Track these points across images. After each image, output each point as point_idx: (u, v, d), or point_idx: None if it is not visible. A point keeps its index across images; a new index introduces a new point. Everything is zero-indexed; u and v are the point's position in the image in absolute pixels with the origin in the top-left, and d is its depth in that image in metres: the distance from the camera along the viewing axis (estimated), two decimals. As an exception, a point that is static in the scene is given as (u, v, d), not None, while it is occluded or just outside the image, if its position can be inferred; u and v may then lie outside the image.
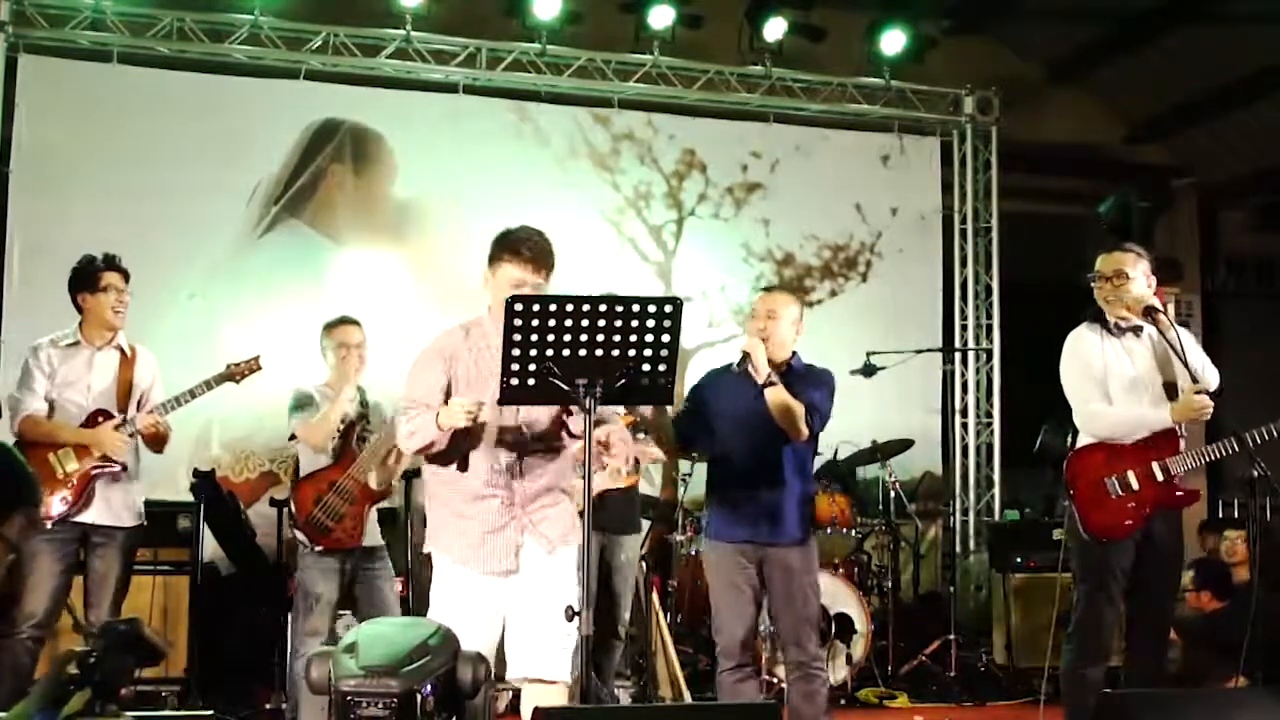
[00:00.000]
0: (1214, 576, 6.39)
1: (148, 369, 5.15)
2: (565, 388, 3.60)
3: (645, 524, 7.24)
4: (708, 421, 4.87)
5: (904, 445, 7.51)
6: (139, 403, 5.07)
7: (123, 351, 5.10)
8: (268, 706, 6.01)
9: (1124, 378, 4.72)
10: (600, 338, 3.60)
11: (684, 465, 7.27)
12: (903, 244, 9.14)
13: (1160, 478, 4.61)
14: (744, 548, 4.73)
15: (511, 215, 8.28)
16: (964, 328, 9.20)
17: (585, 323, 3.58)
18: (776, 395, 4.63)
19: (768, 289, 5.12)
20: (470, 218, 8.21)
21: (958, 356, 9.12)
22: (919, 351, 8.32)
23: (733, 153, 8.87)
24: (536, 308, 3.59)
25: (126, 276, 5.06)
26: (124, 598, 5.06)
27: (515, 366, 3.63)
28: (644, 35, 8.42)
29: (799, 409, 4.65)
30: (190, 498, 6.41)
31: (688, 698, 6.03)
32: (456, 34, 8.16)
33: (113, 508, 4.97)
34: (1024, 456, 8.80)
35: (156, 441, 5.06)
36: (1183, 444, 4.68)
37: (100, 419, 4.96)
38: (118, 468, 4.95)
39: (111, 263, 5.04)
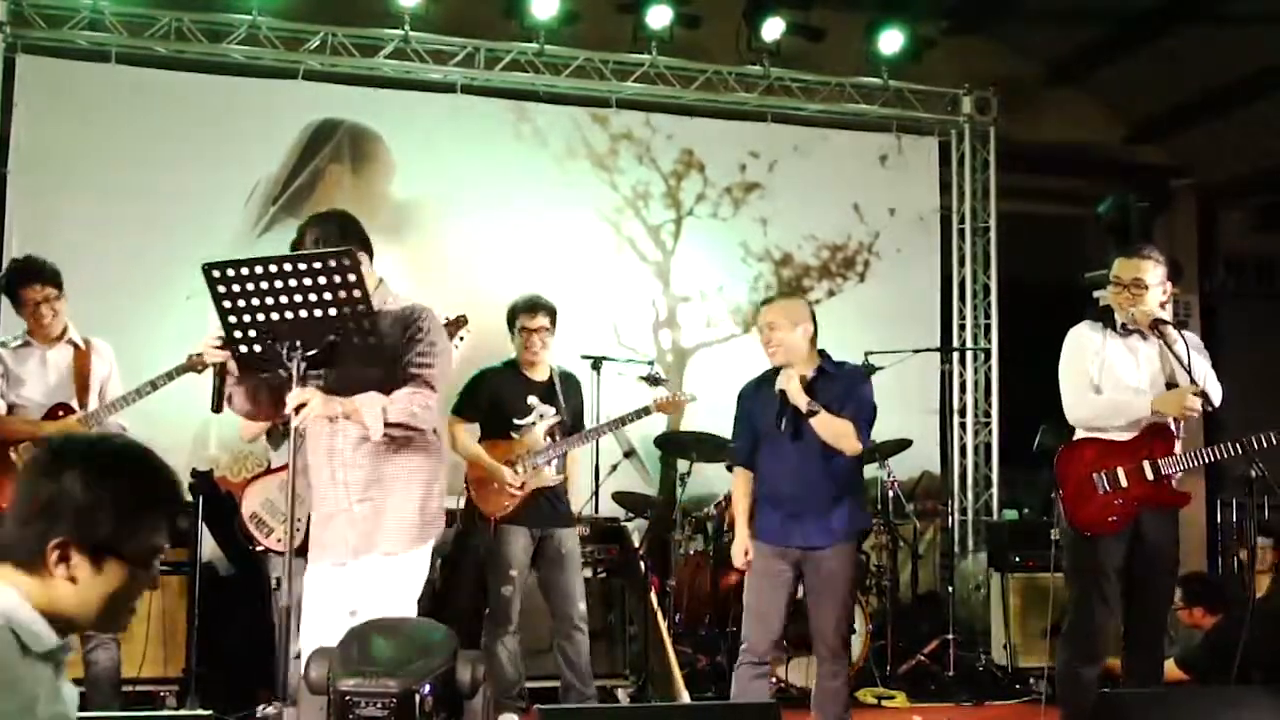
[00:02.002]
0: (1203, 591, 6.33)
1: (105, 361, 5.16)
2: (280, 352, 3.54)
3: (644, 524, 7.29)
4: (759, 439, 4.94)
5: (902, 445, 7.51)
6: (99, 395, 5.08)
7: (76, 346, 5.10)
8: (265, 707, 6.00)
9: (1123, 378, 4.72)
10: (298, 299, 3.52)
11: (681, 465, 7.27)
12: (901, 244, 9.14)
13: (1150, 476, 4.61)
14: (783, 550, 4.80)
15: (510, 215, 8.41)
16: (962, 327, 9.20)
17: (278, 284, 3.51)
18: (823, 423, 4.68)
19: (765, 301, 5.12)
20: (468, 217, 8.23)
21: (956, 356, 9.11)
22: (917, 351, 8.31)
23: (731, 153, 8.87)
24: (231, 272, 3.52)
25: (53, 278, 5.02)
26: None
27: (237, 334, 3.59)
28: (642, 35, 8.42)
29: (846, 428, 4.70)
30: (189, 498, 6.40)
31: (686, 698, 6.03)
32: (454, 34, 8.16)
33: None
34: (1022, 456, 8.79)
35: None
36: (1178, 445, 4.68)
37: (61, 413, 4.96)
38: None
39: (28, 275, 5.00)
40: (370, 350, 3.65)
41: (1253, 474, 4.45)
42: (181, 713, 5.85)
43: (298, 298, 3.52)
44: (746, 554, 4.92)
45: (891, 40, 8.75)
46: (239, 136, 7.86)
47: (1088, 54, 9.65)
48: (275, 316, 3.54)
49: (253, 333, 3.58)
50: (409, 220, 8.20)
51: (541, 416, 5.73)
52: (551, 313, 5.77)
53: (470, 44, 8.17)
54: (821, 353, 4.91)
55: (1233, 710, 3.80)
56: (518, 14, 8.12)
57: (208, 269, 3.53)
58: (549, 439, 5.71)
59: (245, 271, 3.51)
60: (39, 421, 4.95)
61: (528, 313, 5.74)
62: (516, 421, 5.73)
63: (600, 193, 8.58)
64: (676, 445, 7.43)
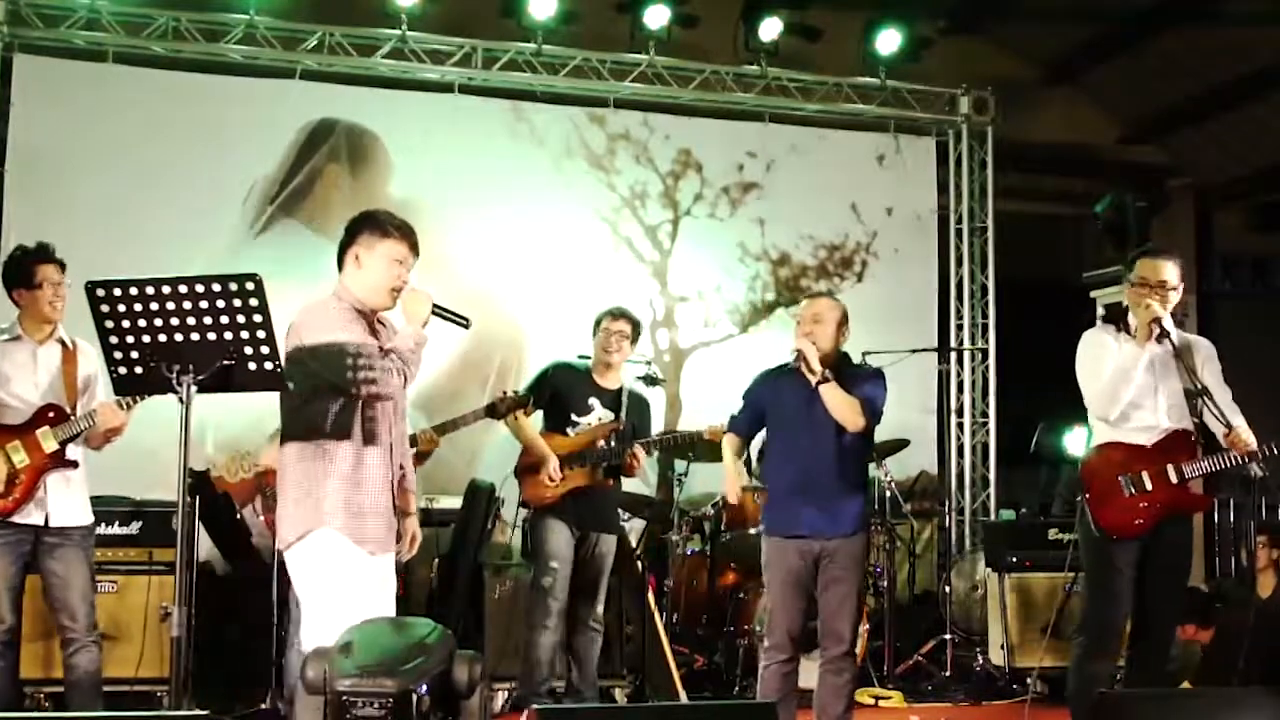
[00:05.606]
0: (1193, 607, 6.27)
1: (90, 362, 5.00)
2: (167, 375, 3.50)
3: (641, 524, 7.28)
4: (761, 420, 5.09)
5: (900, 445, 7.50)
6: (86, 397, 4.99)
7: (64, 345, 4.97)
8: (263, 706, 5.99)
9: (1133, 381, 4.74)
10: (191, 321, 3.49)
11: (679, 465, 7.26)
12: (898, 244, 9.14)
13: (1174, 480, 4.64)
14: (801, 543, 4.85)
15: (507, 215, 8.39)
16: (959, 327, 9.20)
17: (171, 305, 3.48)
18: (832, 391, 4.80)
19: (812, 295, 5.29)
20: (466, 217, 8.22)
21: (953, 356, 9.11)
22: (914, 351, 8.29)
23: (728, 153, 8.87)
24: (119, 292, 3.49)
25: (62, 266, 4.91)
26: (95, 594, 4.97)
27: (119, 355, 3.54)
28: (639, 35, 8.42)
29: (855, 403, 4.81)
30: (186, 498, 6.37)
31: (683, 697, 6.03)
32: (452, 34, 8.16)
33: (66, 507, 4.85)
34: (1019, 456, 8.82)
35: (114, 434, 4.93)
36: (1200, 450, 4.70)
37: (51, 414, 4.84)
38: (71, 465, 4.85)
39: (44, 254, 4.89)
40: (267, 375, 3.63)
41: (1254, 474, 4.46)
42: (176, 713, 5.83)
43: (190, 320, 3.49)
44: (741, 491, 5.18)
45: (889, 40, 8.76)
46: (236, 136, 7.85)
47: (1085, 54, 9.66)
48: (163, 338, 3.49)
49: (135, 354, 3.54)
50: (406, 220, 8.17)
51: (600, 419, 5.83)
52: (634, 324, 5.94)
53: (468, 44, 8.17)
54: (844, 355, 5.07)
55: (1232, 710, 3.80)
56: (515, 14, 8.11)
57: (91, 288, 3.49)
58: (604, 443, 5.79)
59: (134, 291, 3.47)
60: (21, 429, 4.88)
61: (611, 315, 5.92)
62: (575, 418, 5.82)
63: (598, 192, 8.57)
64: (674, 445, 7.41)
